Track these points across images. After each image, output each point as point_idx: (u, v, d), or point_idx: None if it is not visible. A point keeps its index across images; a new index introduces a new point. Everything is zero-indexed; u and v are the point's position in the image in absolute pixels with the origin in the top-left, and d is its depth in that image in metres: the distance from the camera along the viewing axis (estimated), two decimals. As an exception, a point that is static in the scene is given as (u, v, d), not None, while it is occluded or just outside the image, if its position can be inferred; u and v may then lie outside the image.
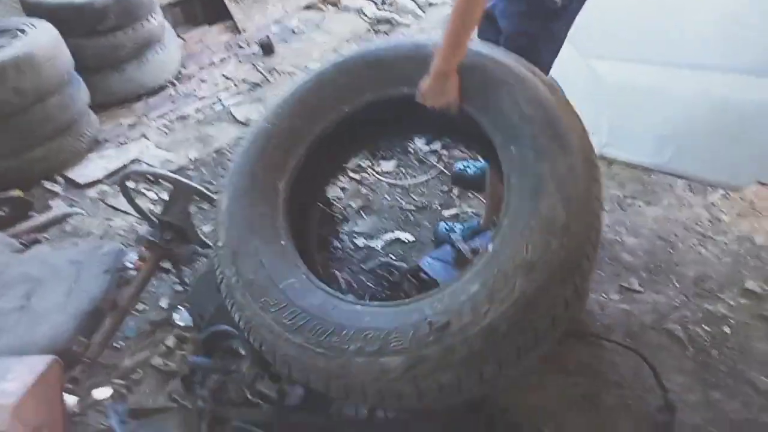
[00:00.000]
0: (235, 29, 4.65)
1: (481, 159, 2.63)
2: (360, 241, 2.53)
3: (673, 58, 2.07)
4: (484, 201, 2.52)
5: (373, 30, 4.53)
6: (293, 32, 4.61)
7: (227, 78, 4.04)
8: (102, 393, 1.98)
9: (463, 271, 1.33)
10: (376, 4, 4.78)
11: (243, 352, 1.56)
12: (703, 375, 1.91)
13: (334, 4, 4.89)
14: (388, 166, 3.02)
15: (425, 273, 2.00)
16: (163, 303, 2.32)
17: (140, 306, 2.31)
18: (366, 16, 4.71)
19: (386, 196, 2.83)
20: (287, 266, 1.47)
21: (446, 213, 2.67)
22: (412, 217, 2.68)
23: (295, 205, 1.71)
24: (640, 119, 2.25)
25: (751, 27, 1.91)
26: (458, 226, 2.36)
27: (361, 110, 1.69)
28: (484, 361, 1.24)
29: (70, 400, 1.69)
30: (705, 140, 2.10)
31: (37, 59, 2.82)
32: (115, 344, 2.14)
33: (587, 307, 2.11)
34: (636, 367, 1.91)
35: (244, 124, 3.48)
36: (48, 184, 3.04)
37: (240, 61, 4.25)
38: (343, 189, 2.88)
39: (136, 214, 2.19)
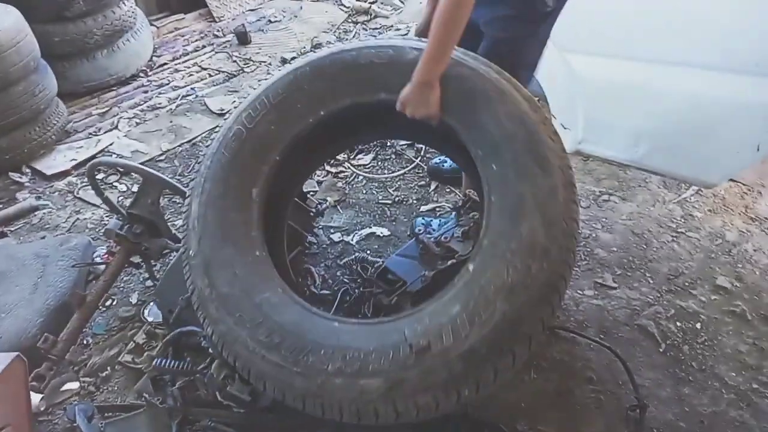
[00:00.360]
0: (210, 17, 4.56)
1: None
2: (336, 236, 2.51)
3: (649, 54, 2.08)
4: (461, 196, 2.51)
5: (352, 21, 4.49)
6: (269, 21, 4.54)
7: (201, 68, 3.96)
8: (70, 386, 1.94)
9: (444, 290, 1.33)
10: (354, -6, 4.73)
11: (211, 350, 1.52)
12: (674, 370, 1.94)
13: (312, -6, 4.83)
14: (365, 159, 3.00)
15: (392, 272, 1.98)
16: (133, 298, 2.27)
17: (109, 301, 2.26)
18: (344, 6, 4.66)
19: (363, 190, 2.81)
20: (262, 279, 1.43)
21: (423, 208, 2.66)
22: (388, 212, 2.66)
23: (270, 210, 1.66)
24: (616, 115, 2.26)
25: (726, 24, 1.93)
26: (435, 222, 2.34)
27: (338, 115, 1.64)
28: (463, 383, 1.24)
29: (35, 398, 1.65)
30: (679, 137, 2.12)
31: (-1, 45, 2.71)
32: (83, 341, 2.09)
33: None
34: (609, 364, 1.94)
35: (219, 114, 3.42)
36: (14, 176, 2.94)
37: (215, 51, 4.16)
38: (319, 183, 2.85)
39: (106, 207, 2.13)
